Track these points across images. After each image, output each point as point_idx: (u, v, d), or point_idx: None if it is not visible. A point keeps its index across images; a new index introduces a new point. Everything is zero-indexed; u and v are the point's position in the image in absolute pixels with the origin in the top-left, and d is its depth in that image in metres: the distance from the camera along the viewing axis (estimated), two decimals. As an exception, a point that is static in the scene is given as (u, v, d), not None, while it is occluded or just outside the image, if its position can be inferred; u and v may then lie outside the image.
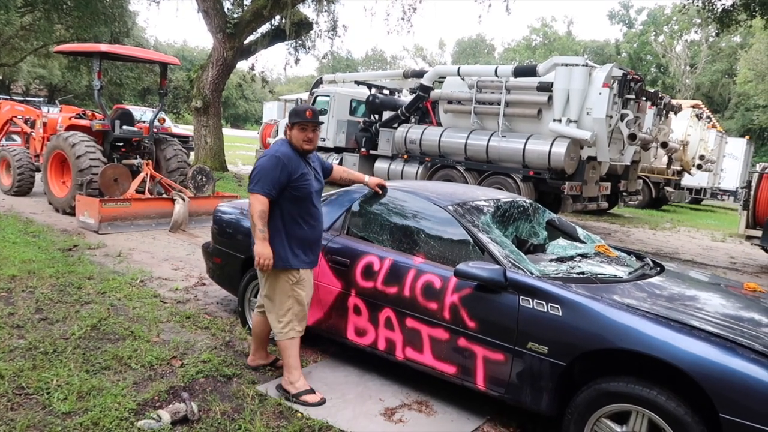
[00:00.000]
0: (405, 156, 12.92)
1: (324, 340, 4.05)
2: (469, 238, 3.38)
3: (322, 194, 3.81)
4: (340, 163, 14.65)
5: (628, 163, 12.77)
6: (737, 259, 10.06)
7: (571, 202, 11.06)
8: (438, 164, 12.36)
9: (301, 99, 16.44)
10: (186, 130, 19.60)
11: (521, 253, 3.35)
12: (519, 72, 11.46)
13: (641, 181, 15.81)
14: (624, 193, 14.00)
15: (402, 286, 3.42)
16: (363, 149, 14.09)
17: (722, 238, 12.74)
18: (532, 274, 3.10)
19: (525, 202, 4.14)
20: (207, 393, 3.29)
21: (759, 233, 8.85)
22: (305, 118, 3.26)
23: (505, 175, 11.33)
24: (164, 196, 8.27)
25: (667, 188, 17.65)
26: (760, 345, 2.59)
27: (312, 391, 3.32)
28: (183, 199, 7.89)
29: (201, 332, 4.21)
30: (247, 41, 14.63)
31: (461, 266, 3.10)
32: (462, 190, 4.18)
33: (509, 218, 3.87)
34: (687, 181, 18.96)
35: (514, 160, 11.16)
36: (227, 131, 53.45)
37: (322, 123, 3.49)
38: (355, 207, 3.95)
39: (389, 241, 3.69)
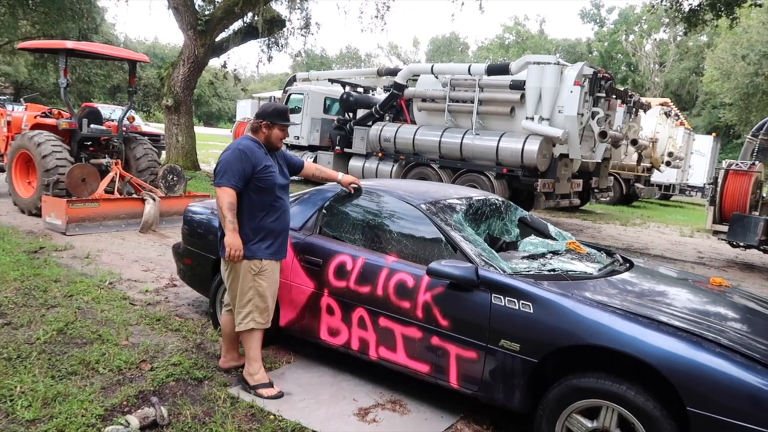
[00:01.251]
0: (379, 154, 12.91)
1: (297, 341, 4.02)
2: (442, 236, 3.38)
3: (292, 192, 3.85)
4: (314, 162, 14.59)
5: (600, 161, 12.96)
6: (705, 254, 10.30)
7: (544, 199, 11.19)
8: (412, 162, 12.38)
9: (274, 97, 16.31)
10: (157, 128, 19.24)
11: (493, 251, 3.36)
12: (492, 70, 11.53)
13: (612, 177, 16.06)
14: (595, 190, 14.22)
15: (375, 286, 3.40)
16: (337, 147, 14.03)
17: (690, 233, 13.03)
18: (504, 271, 3.12)
19: (497, 200, 4.16)
20: (177, 397, 3.23)
21: (725, 228, 9.06)
22: (287, 120, 3.44)
23: (479, 172, 11.40)
24: (134, 196, 8.11)
25: (637, 185, 17.98)
26: (726, 339, 2.64)
27: (270, 385, 3.37)
28: (153, 199, 7.74)
29: (171, 335, 4.13)
30: (218, 38, 14.44)
31: (434, 265, 3.10)
32: (435, 188, 4.18)
33: (481, 216, 3.89)
34: (656, 177, 19.34)
35: (487, 158, 11.23)
36: (200, 129, 52.78)
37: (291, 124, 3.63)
38: (328, 206, 3.91)
39: (362, 241, 3.67)
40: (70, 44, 8.07)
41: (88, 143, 8.58)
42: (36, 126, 8.34)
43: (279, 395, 3.33)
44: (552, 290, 2.94)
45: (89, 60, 25.98)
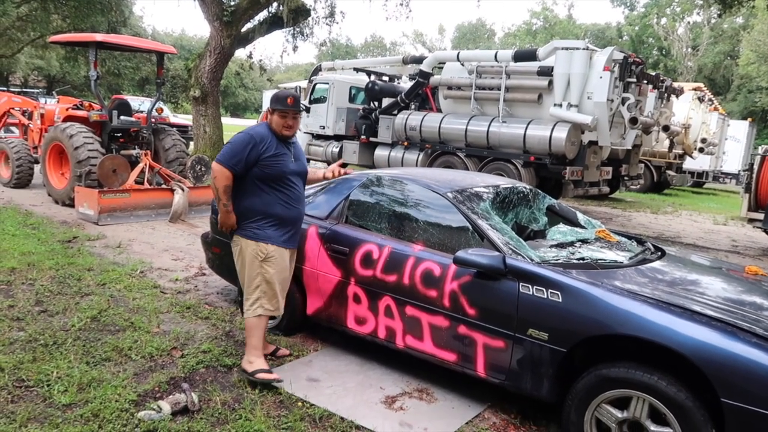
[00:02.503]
0: (405, 143, 12.85)
1: (324, 329, 4.05)
2: (469, 225, 3.35)
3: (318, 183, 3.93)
4: (340, 151, 14.61)
5: (630, 148, 12.67)
6: (739, 243, 10.03)
7: (572, 188, 11.02)
8: (438, 151, 12.30)
9: (299, 87, 16.36)
10: (185, 119, 19.50)
11: (521, 239, 3.32)
12: (519, 56, 11.36)
13: (643, 165, 15.74)
14: (625, 178, 13.94)
15: (401, 274, 3.40)
16: (363, 136, 14.01)
17: (724, 221, 12.70)
18: (532, 260, 3.08)
19: (525, 188, 4.10)
20: (207, 383, 3.29)
21: (761, 216, 8.81)
22: (286, 106, 3.32)
23: (506, 161, 11.27)
24: (163, 186, 8.25)
25: (669, 172, 17.57)
26: (762, 329, 2.57)
27: (269, 371, 3.34)
28: (182, 189, 7.86)
29: (201, 322, 4.20)
30: (244, 29, 14.50)
31: (460, 253, 3.08)
32: (461, 176, 4.14)
33: (509, 204, 3.85)
34: (689, 164, 18.85)
35: (514, 146, 11.09)
36: (227, 120, 53.39)
37: (303, 110, 3.59)
38: (354, 195, 3.92)
39: (388, 229, 3.66)
40: (99, 37, 8.20)
41: (119, 135, 8.74)
42: (68, 118, 8.52)
43: (279, 380, 3.30)
44: (581, 279, 2.90)
45: (118, 53, 26.42)
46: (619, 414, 2.67)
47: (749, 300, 3.09)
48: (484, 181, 3.97)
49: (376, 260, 3.52)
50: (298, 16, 14.84)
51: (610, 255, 3.40)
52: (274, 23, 14.63)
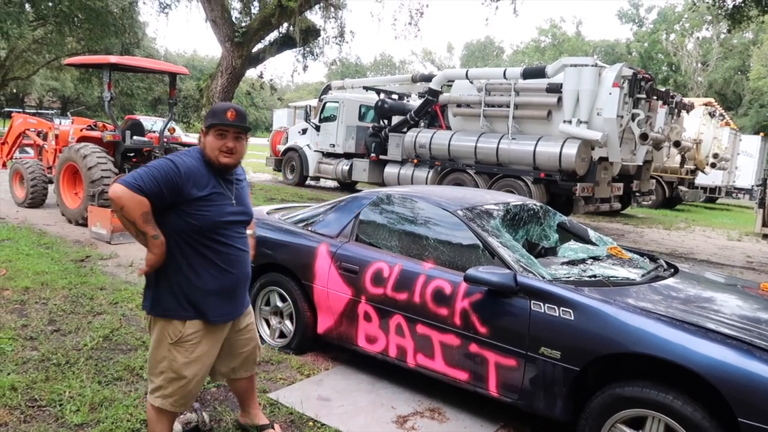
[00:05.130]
0: (415, 160, 12.92)
1: (336, 348, 4.03)
2: (479, 242, 3.35)
3: (325, 200, 3.59)
4: (350, 169, 14.68)
5: (641, 163, 12.67)
6: (754, 258, 9.91)
7: (583, 204, 10.99)
8: (448, 168, 12.34)
9: (309, 106, 16.52)
10: (197, 139, 19.70)
11: (532, 257, 3.31)
12: (528, 74, 11.43)
13: (654, 180, 15.66)
14: (637, 194, 13.88)
15: (412, 292, 3.39)
16: (373, 154, 14.12)
17: (738, 237, 12.56)
18: (543, 278, 3.07)
19: (535, 205, 4.10)
20: (218, 402, 3.28)
21: (775, 231, 8.71)
22: (225, 120, 2.43)
23: (516, 177, 11.29)
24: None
25: (681, 187, 17.47)
26: (776, 346, 2.53)
27: None
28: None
29: (212, 341, 4.20)
30: (255, 49, 14.70)
31: (471, 271, 3.07)
32: (471, 194, 4.15)
33: (519, 222, 3.84)
34: (701, 179, 18.74)
35: (524, 163, 11.11)
36: (238, 139, 53.77)
37: (250, 129, 2.64)
38: (364, 213, 3.93)
39: (398, 247, 3.66)
40: (113, 59, 8.35)
41: (131, 154, 8.84)
42: (82, 138, 8.64)
43: None
44: (593, 297, 2.88)
45: (132, 74, 26.84)
46: (634, 434, 2.63)
47: (764, 317, 3.05)
48: (494, 199, 3.97)
49: (387, 278, 3.52)
50: (308, 36, 15.04)
51: (622, 272, 3.37)
52: (284, 43, 14.84)
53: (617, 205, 12.30)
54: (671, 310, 2.82)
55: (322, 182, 17.84)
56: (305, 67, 16.25)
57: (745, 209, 20.22)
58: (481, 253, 3.32)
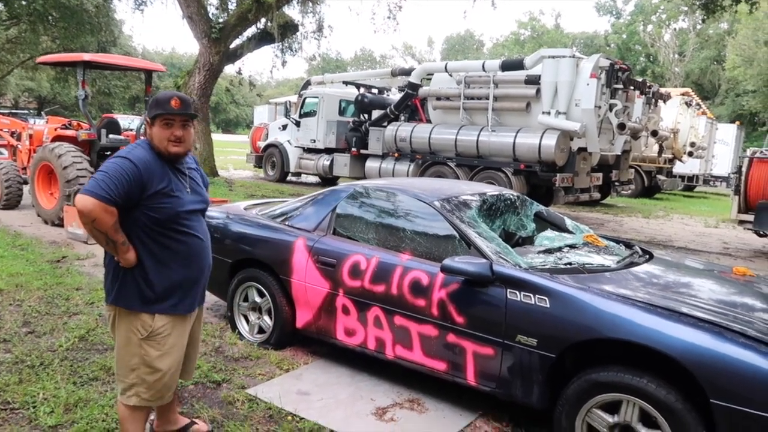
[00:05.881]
0: (396, 154, 12.91)
1: (315, 342, 4.02)
2: (455, 233, 3.35)
3: (303, 194, 3.68)
4: (331, 164, 14.63)
5: (619, 153, 12.78)
6: (730, 244, 10.07)
7: (563, 194, 11.07)
8: (429, 161, 12.35)
9: (289, 101, 16.41)
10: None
11: (508, 246, 3.32)
12: (506, 66, 11.46)
13: (633, 170, 15.83)
14: (616, 183, 14.03)
15: (389, 284, 3.38)
16: (353, 149, 14.08)
17: (715, 224, 12.76)
18: (519, 266, 3.07)
19: (512, 195, 4.11)
20: (196, 400, 3.25)
21: (751, 217, 8.86)
22: (169, 109, 2.39)
23: (497, 169, 11.32)
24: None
25: (659, 176, 17.68)
26: (752, 330, 2.56)
27: None
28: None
29: (190, 339, 4.16)
30: (233, 45, 14.56)
31: (447, 261, 3.07)
32: (448, 185, 4.15)
33: (496, 212, 3.85)
34: (679, 168, 18.99)
35: (504, 155, 11.15)
36: (219, 137, 53.24)
37: (196, 116, 2.61)
38: (341, 206, 3.91)
39: (375, 240, 3.65)
40: (87, 56, 8.20)
41: (108, 153, 8.71)
42: (56, 138, 8.49)
43: None
44: (568, 284, 2.89)
45: (109, 72, 26.45)
46: (609, 419, 2.65)
47: (739, 301, 3.10)
48: (471, 189, 3.97)
49: (364, 271, 3.51)
50: (286, 31, 14.93)
51: (597, 259, 3.40)
52: (262, 39, 14.71)
53: (597, 195, 12.42)
54: (645, 295, 2.84)
55: (304, 178, 17.76)
56: (284, 63, 16.15)
57: (722, 197, 20.54)
58: (457, 244, 3.32)
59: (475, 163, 11.62)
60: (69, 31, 23.42)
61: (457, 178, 11.72)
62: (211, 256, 2.68)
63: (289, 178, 16.89)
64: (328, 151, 15.03)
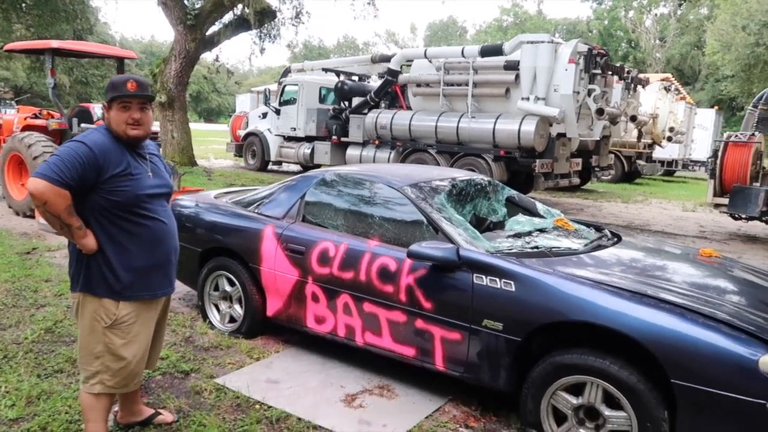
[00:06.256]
0: (376, 142, 12.84)
1: (288, 330, 3.98)
2: (423, 218, 3.33)
3: (275, 181, 3.68)
4: (312, 153, 14.52)
5: (599, 139, 12.82)
6: (707, 228, 10.19)
7: (543, 180, 11.09)
8: (410, 148, 12.30)
9: (269, 89, 16.24)
10: (156, 126, 19.23)
11: (476, 230, 3.31)
12: (485, 52, 11.41)
13: (613, 155, 15.93)
14: (596, 169, 14.10)
15: (358, 271, 3.36)
16: (334, 137, 13.97)
17: (693, 207, 12.90)
18: (486, 251, 3.06)
19: (483, 180, 4.10)
20: (163, 390, 3.21)
21: (726, 201, 8.96)
22: (126, 92, 2.36)
23: (477, 156, 11.31)
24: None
25: (639, 162, 17.82)
26: (711, 309, 2.58)
27: None
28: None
29: (161, 329, 4.11)
30: (209, 32, 14.35)
31: (414, 247, 3.05)
32: (418, 171, 4.12)
33: (466, 197, 3.84)
34: (658, 153, 19.15)
35: (484, 141, 11.14)
36: (201, 126, 52.66)
37: (153, 98, 2.64)
38: (310, 193, 3.87)
39: (344, 226, 3.62)
40: (55, 44, 8.01)
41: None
42: (26, 128, 8.31)
43: None
44: (533, 267, 2.89)
45: (86, 61, 25.98)
46: (574, 400, 2.66)
47: (702, 283, 3.12)
48: (441, 175, 3.95)
49: (333, 258, 3.48)
50: (263, 17, 14.73)
51: (565, 243, 3.40)
52: (239, 26, 14.51)
53: (576, 181, 12.46)
54: (609, 277, 2.85)
55: (285, 166, 17.62)
56: (262, 50, 15.94)
57: (701, 181, 20.75)
58: (425, 229, 3.30)
59: (455, 150, 11.60)
60: (43, 19, 22.87)
61: (438, 165, 11.71)
62: (177, 241, 2.67)
63: (270, 167, 16.76)
64: (309, 139, 14.91)
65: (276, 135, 15.77)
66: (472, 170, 11.26)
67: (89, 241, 2.36)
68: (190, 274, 4.36)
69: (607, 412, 2.58)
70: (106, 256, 2.39)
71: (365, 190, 3.69)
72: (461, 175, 4.10)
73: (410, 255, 3.06)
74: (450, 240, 3.15)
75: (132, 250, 2.42)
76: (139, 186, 2.40)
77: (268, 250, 3.78)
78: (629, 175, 18.12)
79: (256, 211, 4.04)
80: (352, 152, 13.41)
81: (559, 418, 2.73)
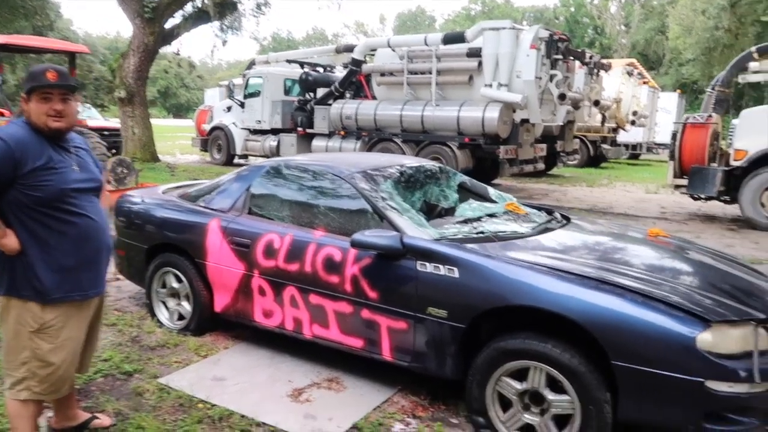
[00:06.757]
0: (342, 132, 12.73)
1: (239, 326, 3.88)
2: (368, 206, 3.26)
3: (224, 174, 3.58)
4: (278, 145, 14.32)
5: (562, 124, 12.92)
6: (668, 209, 10.35)
7: (509, 166, 11.13)
8: (375, 138, 12.22)
9: (232, 82, 15.97)
10: (118, 122, 18.76)
11: (422, 217, 3.26)
12: (448, 39, 11.37)
13: (578, 140, 16.06)
14: (562, 154, 14.22)
15: (303, 262, 3.28)
16: (300, 129, 13.81)
17: (655, 189, 13.10)
18: (431, 238, 3.01)
19: (433, 166, 4.04)
20: (103, 393, 3.09)
21: (685, 182, 9.09)
22: (45, 82, 2.25)
23: (442, 144, 11.29)
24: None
25: (604, 146, 18.02)
26: (651, 289, 2.56)
27: None
28: (101, 194, 7.50)
29: (107, 330, 3.96)
30: (168, 25, 14.02)
31: (357, 236, 2.99)
32: (366, 158, 4.05)
33: (416, 184, 3.77)
34: (623, 137, 19.40)
35: (449, 129, 11.11)
36: (170, 122, 51.70)
37: (77, 88, 2.48)
38: (256, 184, 3.77)
39: (290, 217, 3.53)
40: (1, 39, 7.72)
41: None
42: (-27, 126, 8.00)
43: None
44: (476, 252, 2.85)
45: (45, 57, 25.21)
46: (518, 386, 2.63)
47: (648, 263, 3.10)
48: (390, 162, 3.88)
49: (278, 250, 3.39)
50: (224, 9, 14.46)
51: (513, 227, 3.37)
52: (199, 18, 14.21)
53: (541, 166, 12.53)
54: (552, 261, 2.82)
55: (252, 160, 17.36)
56: (224, 42, 15.66)
57: (665, 163, 21.02)
58: (370, 217, 3.23)
59: (420, 138, 11.56)
60: (1, 16, 22.16)
61: (404, 154, 11.65)
62: (108, 238, 2.54)
63: (236, 160, 16.49)
64: (275, 131, 14.71)
65: (241, 128, 15.53)
66: (438, 158, 11.25)
67: (10, 241, 2.23)
68: (138, 271, 4.23)
69: (550, 396, 2.55)
70: (30, 256, 2.27)
71: (311, 180, 3.60)
72: (411, 162, 4.03)
73: (353, 244, 2.99)
74: (395, 228, 3.08)
75: (58, 248, 2.30)
76: (63, 180, 2.28)
77: (214, 244, 3.68)
78: (594, 159, 18.32)
79: (201, 204, 3.93)
80: (317, 143, 13.27)
81: (505, 404, 2.70)
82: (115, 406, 2.94)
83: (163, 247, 4.01)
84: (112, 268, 5.34)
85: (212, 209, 3.82)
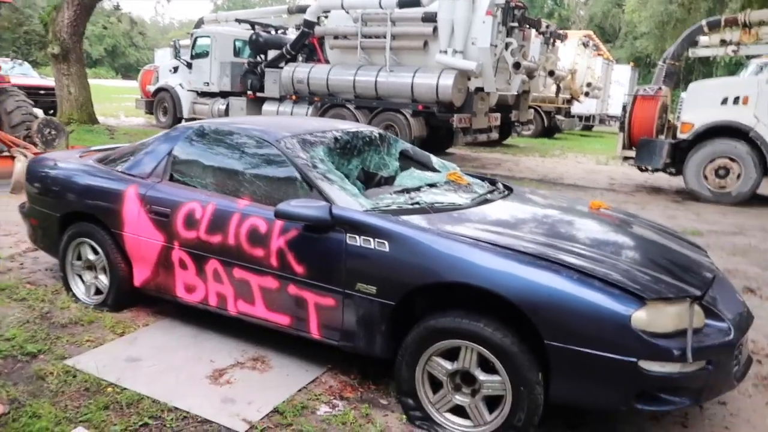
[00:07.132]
0: (293, 97, 12.30)
1: (162, 301, 3.62)
2: (297, 174, 3.02)
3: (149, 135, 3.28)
4: (227, 109, 13.75)
5: (517, 93, 12.82)
6: (616, 180, 10.44)
7: (463, 135, 10.99)
8: (328, 104, 11.86)
9: (178, 41, 15.18)
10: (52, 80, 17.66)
11: (355, 187, 3.04)
12: (403, 3, 10.98)
13: (533, 110, 16.06)
14: (516, 124, 14.18)
15: (226, 234, 3.03)
16: (250, 92, 13.27)
17: (606, 161, 13.23)
18: (362, 208, 2.80)
19: (372, 132, 3.81)
20: (1, 377, 2.81)
21: (633, 153, 9.15)
22: None
23: (396, 111, 11.03)
24: (4, 153, 7.29)
25: (558, 117, 18.11)
26: (588, 264, 2.44)
27: None
28: (25, 156, 6.97)
29: (15, 305, 3.64)
30: (108, -23, 13.11)
31: (282, 206, 2.75)
32: (299, 122, 3.79)
33: (353, 150, 3.55)
34: (577, 108, 19.54)
35: (403, 95, 10.85)
36: (117, 82, 49.46)
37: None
38: (179, 148, 3.46)
39: (214, 185, 3.26)
40: None
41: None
42: None
43: None
44: (409, 225, 2.66)
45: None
46: (449, 366, 2.49)
47: (588, 237, 2.98)
48: (324, 127, 3.63)
49: (200, 220, 3.13)
50: (168, -39, 13.55)
51: (451, 198, 3.19)
52: (141, -30, 13.29)
53: (495, 136, 12.44)
54: (489, 234, 2.65)
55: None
56: (169, -2, 14.73)
57: (616, 135, 21.43)
58: (299, 186, 2.99)
59: (374, 105, 11.27)
60: None
61: (357, 120, 11.35)
62: None
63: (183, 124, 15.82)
64: (224, 94, 14.11)
65: (188, 90, 14.83)
66: (392, 126, 11.03)
67: None
68: (52, 242, 3.89)
69: (482, 376, 2.42)
70: None
71: (237, 144, 3.32)
72: (348, 126, 3.79)
73: (278, 215, 2.76)
74: (324, 197, 2.86)
75: None
76: None
77: (131, 212, 3.37)
78: (549, 130, 18.42)
79: (119, 169, 3.60)
80: (268, 108, 12.79)
81: (435, 385, 2.56)
82: (11, 391, 2.67)
83: (77, 215, 3.68)
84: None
85: (131, 175, 3.50)
